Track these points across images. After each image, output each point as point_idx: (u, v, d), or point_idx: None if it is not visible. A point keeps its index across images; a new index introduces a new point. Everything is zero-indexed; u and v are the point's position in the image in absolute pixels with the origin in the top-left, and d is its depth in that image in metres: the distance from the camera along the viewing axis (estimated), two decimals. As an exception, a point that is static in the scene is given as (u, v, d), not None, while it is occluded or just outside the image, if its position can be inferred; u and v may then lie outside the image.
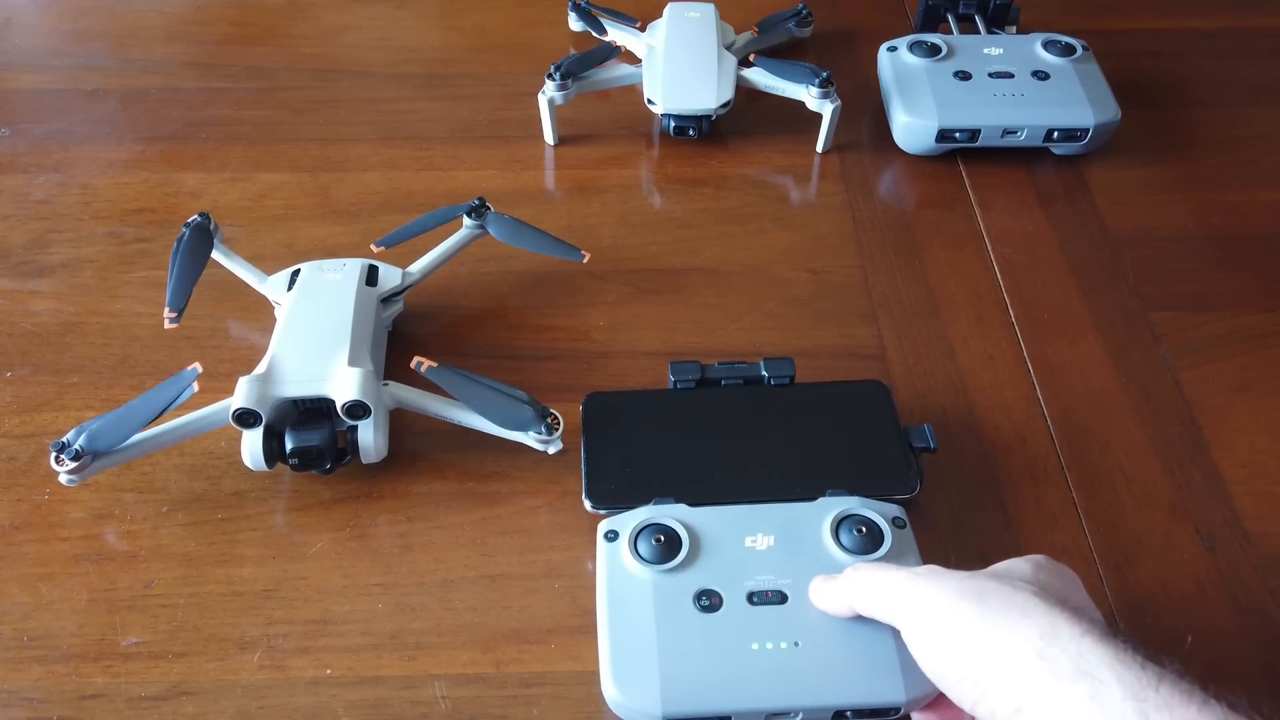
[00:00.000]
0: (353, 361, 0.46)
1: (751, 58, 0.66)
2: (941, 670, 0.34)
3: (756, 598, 0.40)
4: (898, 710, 0.38)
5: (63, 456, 0.43)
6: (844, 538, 0.41)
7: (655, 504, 0.43)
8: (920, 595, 0.36)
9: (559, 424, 0.46)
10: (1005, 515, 0.47)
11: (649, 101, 0.64)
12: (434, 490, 0.47)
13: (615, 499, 0.45)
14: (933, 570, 0.36)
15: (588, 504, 0.45)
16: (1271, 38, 0.76)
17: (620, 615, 0.40)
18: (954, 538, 0.46)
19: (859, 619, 0.39)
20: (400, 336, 0.54)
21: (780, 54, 0.71)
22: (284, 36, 0.76)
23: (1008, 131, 0.63)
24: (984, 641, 0.33)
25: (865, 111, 0.69)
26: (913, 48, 0.67)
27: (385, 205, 0.62)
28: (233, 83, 0.71)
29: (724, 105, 0.63)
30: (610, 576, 0.41)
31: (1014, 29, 0.73)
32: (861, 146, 0.67)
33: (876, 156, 0.66)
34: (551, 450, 0.46)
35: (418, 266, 0.53)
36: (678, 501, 0.43)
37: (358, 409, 0.45)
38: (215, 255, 0.53)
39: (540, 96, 0.65)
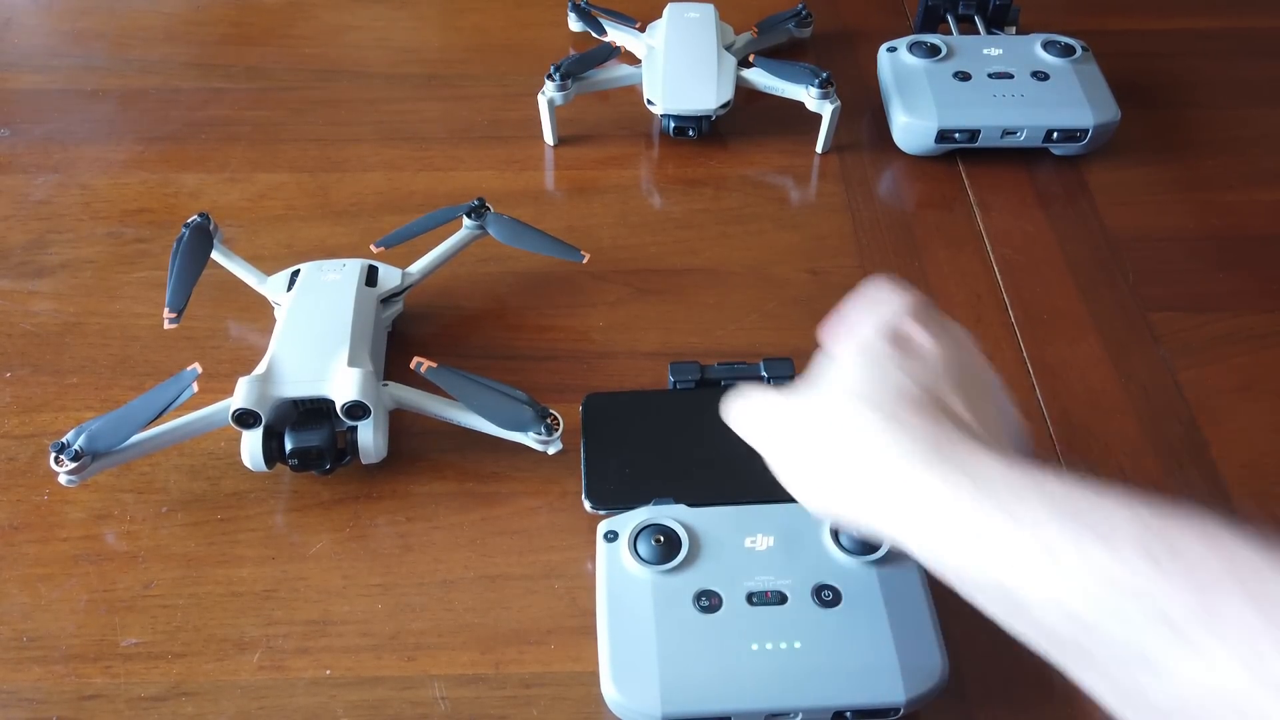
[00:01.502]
0: (352, 362, 0.46)
1: (751, 58, 0.66)
2: (800, 489, 0.35)
3: (756, 598, 0.40)
4: (898, 710, 0.38)
5: (62, 457, 0.43)
6: (843, 538, 0.41)
7: (655, 504, 0.43)
8: (778, 416, 0.36)
9: (558, 424, 0.46)
10: (1005, 516, 0.47)
11: (649, 102, 0.64)
12: (434, 491, 0.47)
13: (615, 499, 0.45)
14: (793, 392, 0.36)
15: (587, 504, 0.45)
16: (1271, 38, 0.76)
17: (620, 616, 0.40)
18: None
19: (857, 619, 0.39)
20: (400, 337, 0.54)
21: (780, 54, 0.71)
22: (284, 37, 0.76)
23: (1007, 132, 0.63)
24: (838, 466, 0.33)
25: (865, 112, 0.69)
26: (912, 48, 0.67)
27: (385, 206, 0.62)
28: (232, 83, 0.71)
29: (724, 106, 0.63)
30: (610, 577, 0.41)
31: (1013, 29, 0.73)
32: (861, 147, 0.67)
33: (876, 157, 0.66)
34: (551, 451, 0.46)
35: (417, 267, 0.53)
36: (677, 502, 0.43)
37: (357, 409, 0.45)
38: (215, 255, 0.53)
39: (540, 97, 0.65)
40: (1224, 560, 0.23)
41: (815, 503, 0.35)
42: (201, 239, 0.52)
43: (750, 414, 0.38)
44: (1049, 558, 0.25)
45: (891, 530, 0.32)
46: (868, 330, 0.36)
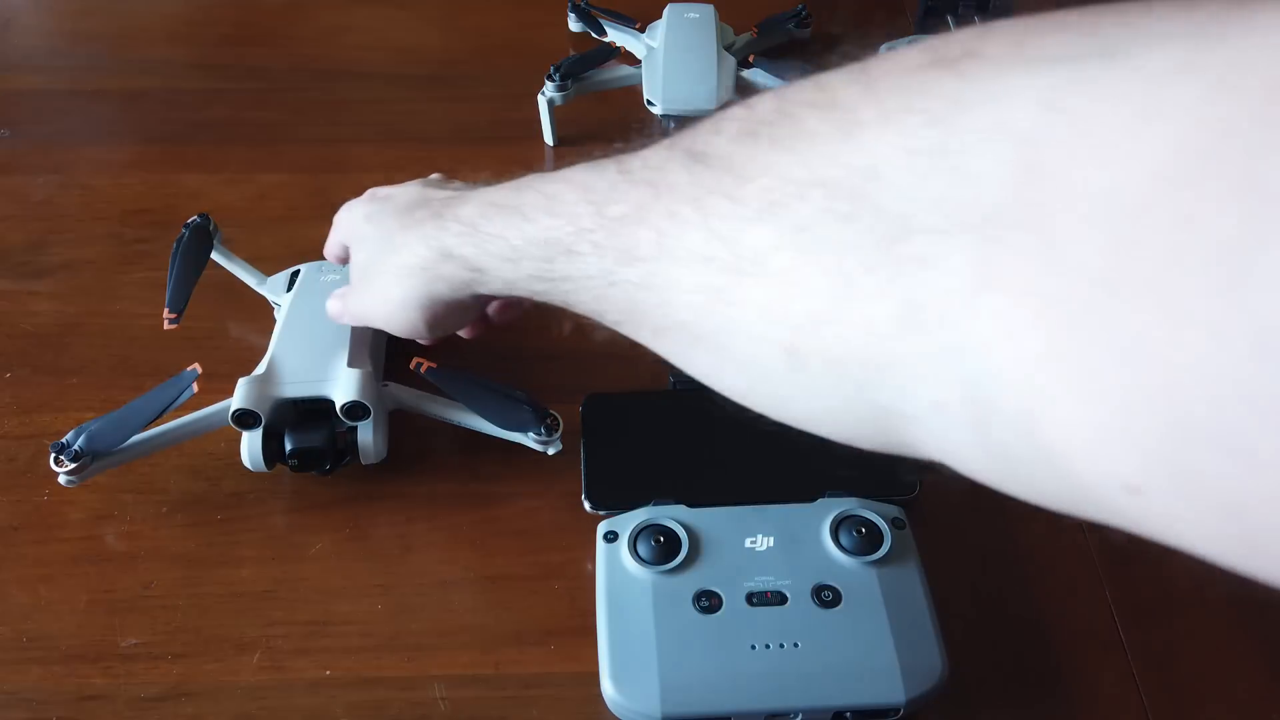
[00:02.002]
0: (352, 362, 0.46)
1: (751, 58, 0.66)
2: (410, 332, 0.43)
3: (756, 599, 0.40)
4: (898, 711, 0.38)
5: (62, 457, 0.43)
6: (843, 538, 0.41)
7: (655, 505, 0.43)
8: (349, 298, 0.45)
9: (558, 425, 0.46)
10: (1005, 515, 0.47)
11: (648, 102, 0.64)
12: (433, 491, 0.47)
13: (615, 500, 0.45)
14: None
15: (587, 505, 0.45)
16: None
17: (619, 616, 0.40)
18: (954, 539, 0.46)
19: (857, 619, 0.39)
20: (400, 338, 0.54)
21: (780, 55, 0.71)
22: (284, 37, 0.76)
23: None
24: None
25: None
26: (913, 48, 0.67)
27: (385, 206, 0.62)
28: (233, 83, 0.71)
29: (723, 106, 0.63)
30: (610, 577, 0.41)
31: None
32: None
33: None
34: (551, 451, 0.46)
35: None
36: (677, 502, 0.43)
37: (357, 410, 0.45)
38: (215, 256, 0.53)
39: (540, 97, 0.65)
40: (580, 191, 0.31)
41: (415, 323, 0.41)
42: (202, 239, 0.52)
43: (332, 304, 0.46)
44: (513, 249, 0.34)
45: (457, 293, 0.38)
46: (352, 207, 0.45)
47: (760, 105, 0.25)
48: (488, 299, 0.43)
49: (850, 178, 0.22)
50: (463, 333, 0.48)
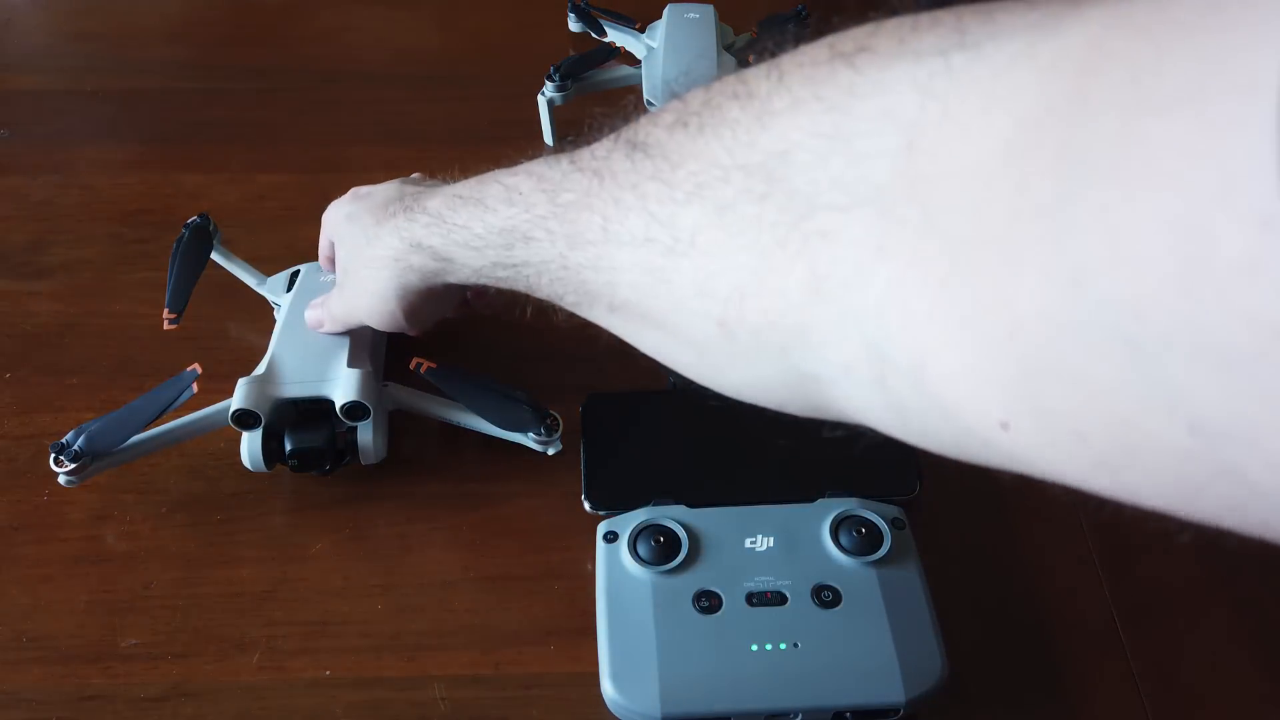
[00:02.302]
0: (352, 363, 0.46)
1: (751, 58, 0.66)
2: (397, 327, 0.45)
3: (756, 599, 0.40)
4: (898, 711, 0.38)
5: (62, 458, 0.43)
6: (843, 539, 0.41)
7: (654, 505, 0.43)
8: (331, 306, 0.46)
9: (558, 425, 0.46)
10: (1005, 515, 0.47)
11: (648, 103, 0.64)
12: (433, 491, 0.47)
13: (614, 500, 0.45)
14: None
15: (587, 505, 0.45)
16: None
17: (619, 616, 0.40)
18: (954, 538, 0.46)
19: (857, 619, 0.39)
20: (399, 337, 0.53)
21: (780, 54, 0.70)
22: (284, 37, 0.76)
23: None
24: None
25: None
26: (912, 48, 0.67)
27: (385, 206, 0.62)
28: (232, 84, 0.71)
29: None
30: (609, 578, 0.41)
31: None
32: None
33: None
34: (550, 451, 0.46)
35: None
36: (677, 502, 0.43)
37: (357, 410, 0.45)
38: (214, 256, 0.53)
39: (540, 98, 0.64)
40: (537, 181, 0.33)
41: (396, 315, 0.43)
42: (201, 239, 0.52)
43: (315, 312, 0.48)
44: (477, 238, 0.36)
45: (429, 282, 0.40)
46: (335, 208, 0.47)
47: (692, 98, 0.28)
48: (462, 291, 0.45)
49: (766, 161, 0.24)
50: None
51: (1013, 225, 0.18)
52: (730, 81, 0.26)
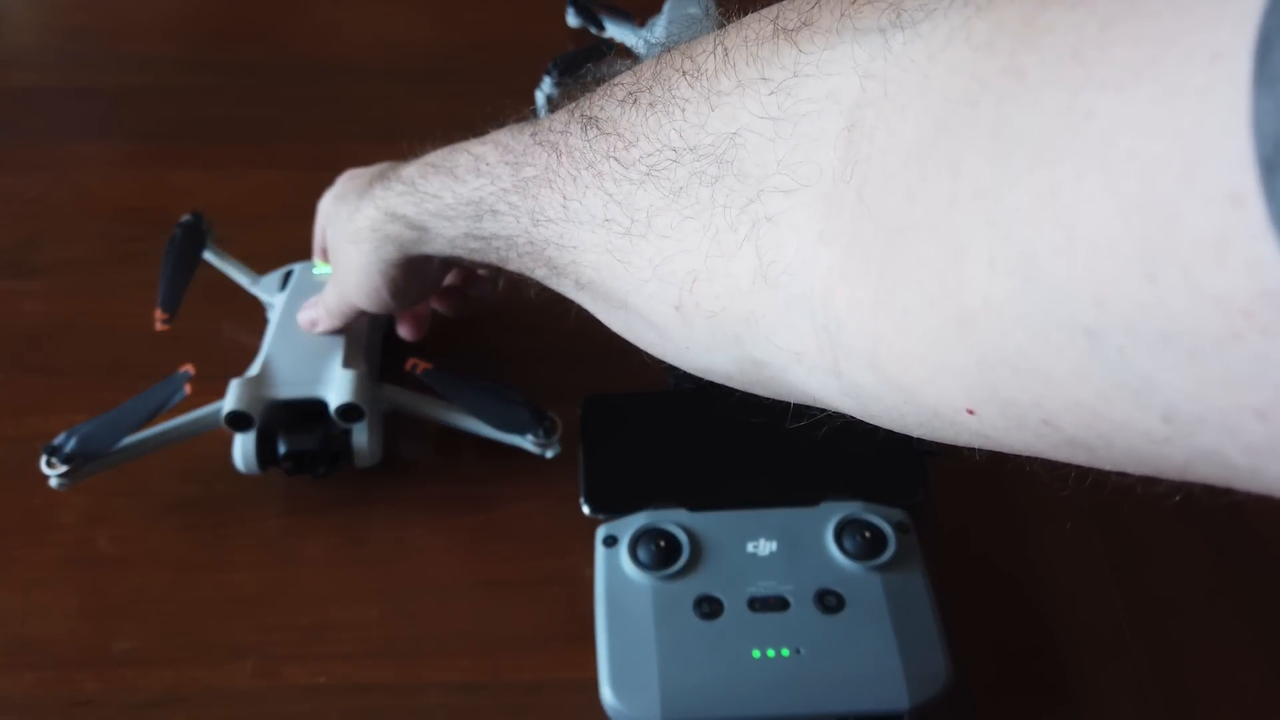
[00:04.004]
0: (346, 364, 0.45)
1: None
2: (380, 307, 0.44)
3: (758, 604, 0.39)
4: (901, 717, 0.37)
5: (53, 460, 0.43)
6: (847, 543, 0.41)
7: (655, 509, 0.42)
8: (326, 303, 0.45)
9: (556, 427, 0.45)
10: (1012, 518, 0.46)
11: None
12: (429, 495, 0.47)
13: (614, 503, 0.44)
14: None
15: (586, 509, 0.44)
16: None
17: (619, 622, 0.39)
18: (959, 541, 0.45)
19: (860, 625, 0.38)
20: (395, 338, 0.53)
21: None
22: (278, 33, 0.75)
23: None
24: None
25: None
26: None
27: (381, 204, 0.61)
28: (226, 80, 0.71)
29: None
30: (609, 582, 0.40)
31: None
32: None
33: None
34: (549, 454, 0.45)
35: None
36: (678, 506, 0.43)
37: (351, 412, 0.44)
38: (206, 256, 0.52)
39: (538, 93, 0.64)
40: (502, 151, 0.33)
41: (382, 291, 0.42)
42: (194, 239, 0.51)
43: (310, 311, 0.47)
44: (447, 207, 0.35)
45: (405, 252, 0.40)
46: (329, 194, 0.46)
47: (643, 70, 0.27)
48: (446, 267, 0.44)
49: (717, 144, 0.23)
50: (439, 306, 0.50)
51: (950, 210, 0.17)
52: (678, 55, 0.26)
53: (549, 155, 0.30)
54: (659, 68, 0.26)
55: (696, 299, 0.24)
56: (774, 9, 0.24)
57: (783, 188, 0.22)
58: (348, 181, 0.45)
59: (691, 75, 0.25)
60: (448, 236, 0.37)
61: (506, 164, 0.32)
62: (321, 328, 0.46)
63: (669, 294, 0.25)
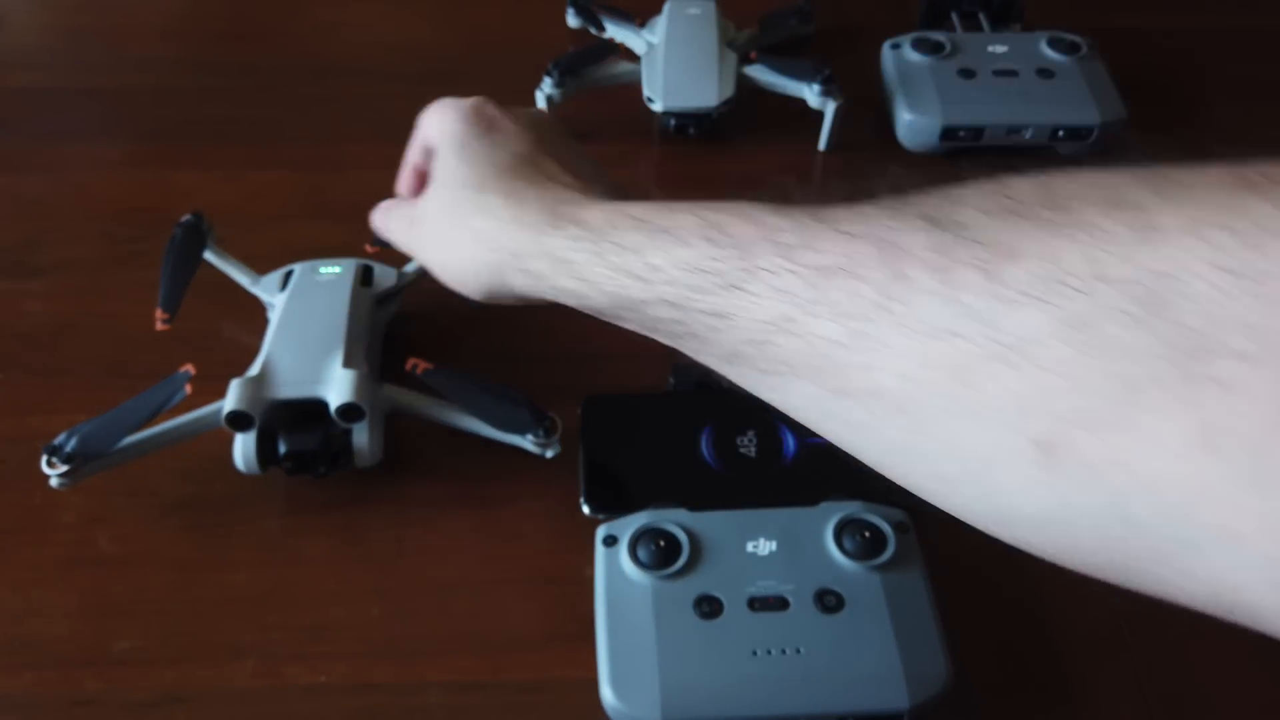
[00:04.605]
0: (347, 364, 0.45)
1: (753, 55, 0.65)
2: (453, 281, 0.39)
3: (758, 604, 0.39)
4: (901, 717, 0.37)
5: (54, 459, 0.43)
6: (847, 543, 0.41)
7: (655, 508, 0.42)
8: (410, 220, 0.41)
9: (557, 427, 0.45)
10: (1010, 519, 0.46)
11: (648, 99, 0.64)
12: (430, 494, 0.47)
13: (614, 503, 0.44)
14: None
15: (586, 509, 0.45)
16: None
17: (619, 622, 0.39)
18: (959, 542, 0.45)
19: (860, 624, 0.38)
20: (396, 338, 0.53)
21: (782, 51, 0.70)
22: (278, 34, 0.75)
23: (1012, 130, 0.62)
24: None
25: (869, 109, 0.68)
26: (916, 45, 0.66)
27: (381, 204, 0.61)
28: (226, 81, 0.71)
29: (724, 103, 0.63)
30: (609, 582, 0.40)
31: (1019, 26, 0.72)
32: (865, 144, 0.66)
33: (880, 155, 0.65)
34: (549, 454, 0.45)
35: (413, 266, 0.53)
36: (678, 506, 0.43)
37: (352, 412, 0.44)
38: (207, 256, 0.52)
39: (538, 94, 0.64)
40: (758, 227, 0.29)
41: (470, 289, 0.38)
42: (195, 238, 0.51)
43: (389, 223, 0.43)
44: (650, 268, 0.31)
45: (533, 289, 0.36)
46: (450, 122, 0.41)
47: (1018, 186, 0.25)
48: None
49: (1146, 281, 0.21)
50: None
51: None
52: (1079, 179, 0.24)
53: (858, 245, 0.26)
54: (1044, 190, 0.24)
55: (1078, 442, 0.22)
56: (1234, 167, 0.23)
57: (1241, 352, 0.19)
58: (481, 127, 0.40)
59: (1107, 205, 0.23)
60: (624, 296, 0.32)
61: (770, 241, 0.28)
62: (388, 236, 0.44)
63: (1034, 427, 0.22)
